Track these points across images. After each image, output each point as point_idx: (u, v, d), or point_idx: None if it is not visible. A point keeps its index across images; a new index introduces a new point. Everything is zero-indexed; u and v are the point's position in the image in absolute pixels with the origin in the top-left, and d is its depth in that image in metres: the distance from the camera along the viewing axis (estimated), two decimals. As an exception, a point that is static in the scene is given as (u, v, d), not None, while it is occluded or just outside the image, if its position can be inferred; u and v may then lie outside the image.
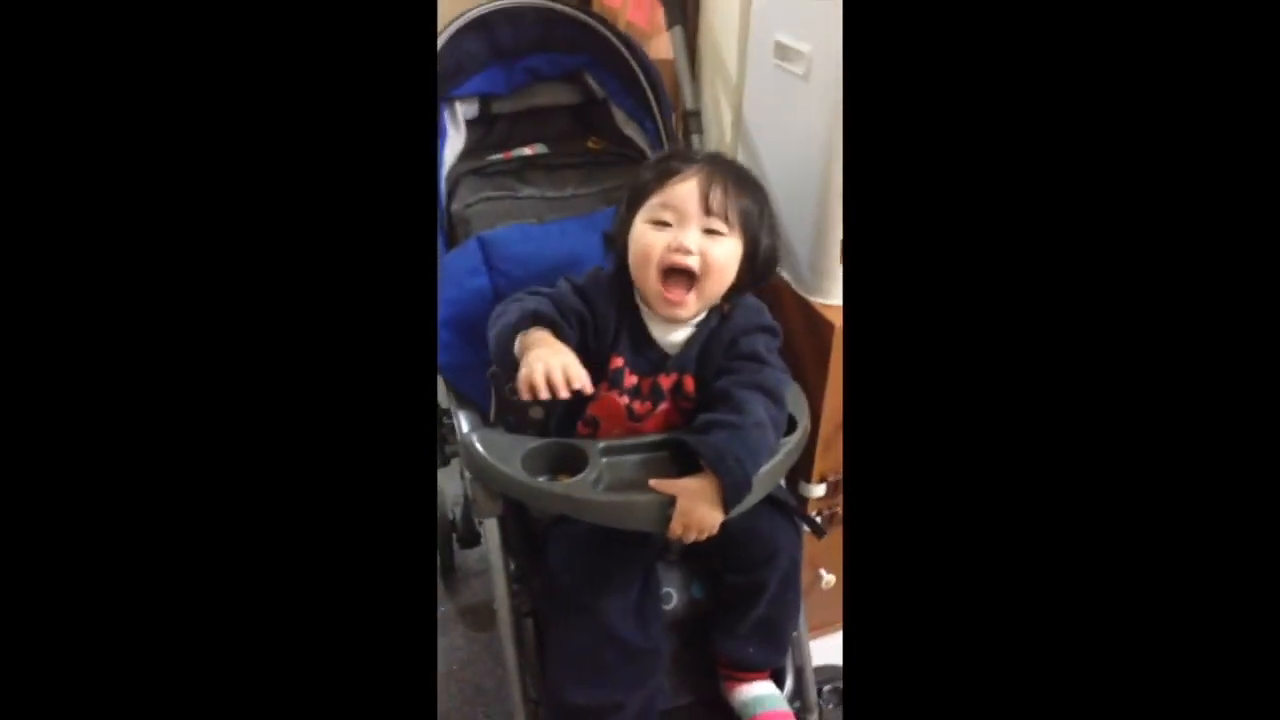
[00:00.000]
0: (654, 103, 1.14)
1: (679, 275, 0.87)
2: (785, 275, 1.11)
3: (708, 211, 0.86)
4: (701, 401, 0.89)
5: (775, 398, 0.87)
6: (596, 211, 1.11)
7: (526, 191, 1.13)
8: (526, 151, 1.18)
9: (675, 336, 0.91)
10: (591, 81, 1.18)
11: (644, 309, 0.91)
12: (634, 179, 0.93)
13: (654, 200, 0.88)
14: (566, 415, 0.94)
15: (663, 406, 0.91)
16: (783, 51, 1.04)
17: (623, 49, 1.13)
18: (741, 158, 1.24)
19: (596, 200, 1.14)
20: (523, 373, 0.81)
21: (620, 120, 1.20)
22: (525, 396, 0.80)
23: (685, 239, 0.85)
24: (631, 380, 0.90)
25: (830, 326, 1.04)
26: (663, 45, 1.25)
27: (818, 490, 1.16)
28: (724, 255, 0.87)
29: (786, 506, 0.96)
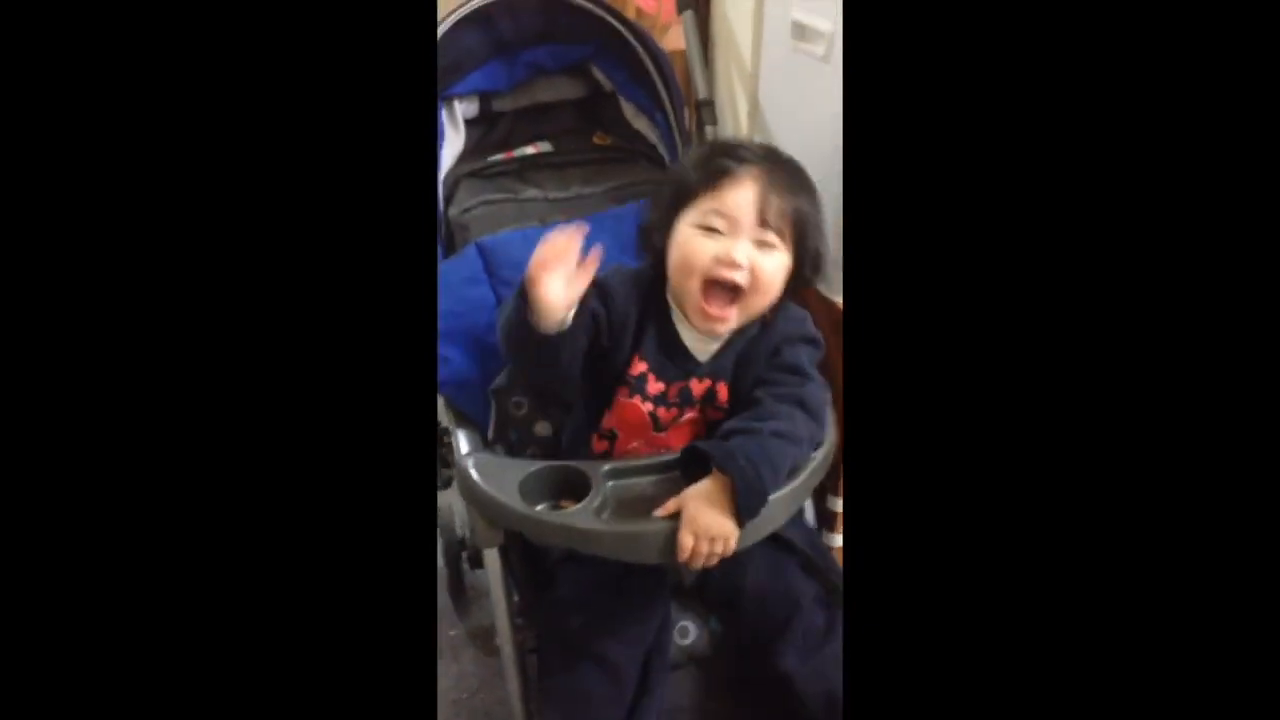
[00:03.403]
0: (665, 94, 1.08)
1: (722, 288, 0.80)
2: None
3: (763, 223, 0.80)
4: (733, 412, 0.82)
5: (814, 414, 0.80)
6: (605, 210, 1.04)
7: (529, 193, 1.07)
8: (529, 150, 1.12)
9: (710, 344, 0.85)
10: (598, 73, 1.11)
11: (675, 314, 0.85)
12: (674, 174, 0.86)
13: (705, 203, 0.81)
14: (580, 429, 0.87)
15: (690, 415, 0.84)
16: (800, 31, 0.97)
17: (630, 38, 1.06)
18: (759, 149, 1.17)
19: (604, 199, 1.08)
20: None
21: (629, 114, 1.13)
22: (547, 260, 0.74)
23: (736, 252, 0.79)
24: (657, 387, 0.83)
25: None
26: (677, 36, 1.18)
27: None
28: (774, 269, 0.81)
29: (803, 558, 0.87)
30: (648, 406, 0.83)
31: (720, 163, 0.81)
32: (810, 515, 1.02)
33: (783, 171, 0.83)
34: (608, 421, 0.85)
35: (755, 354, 0.84)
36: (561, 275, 0.73)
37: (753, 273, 0.79)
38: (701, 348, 0.84)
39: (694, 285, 0.81)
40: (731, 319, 0.82)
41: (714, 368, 0.84)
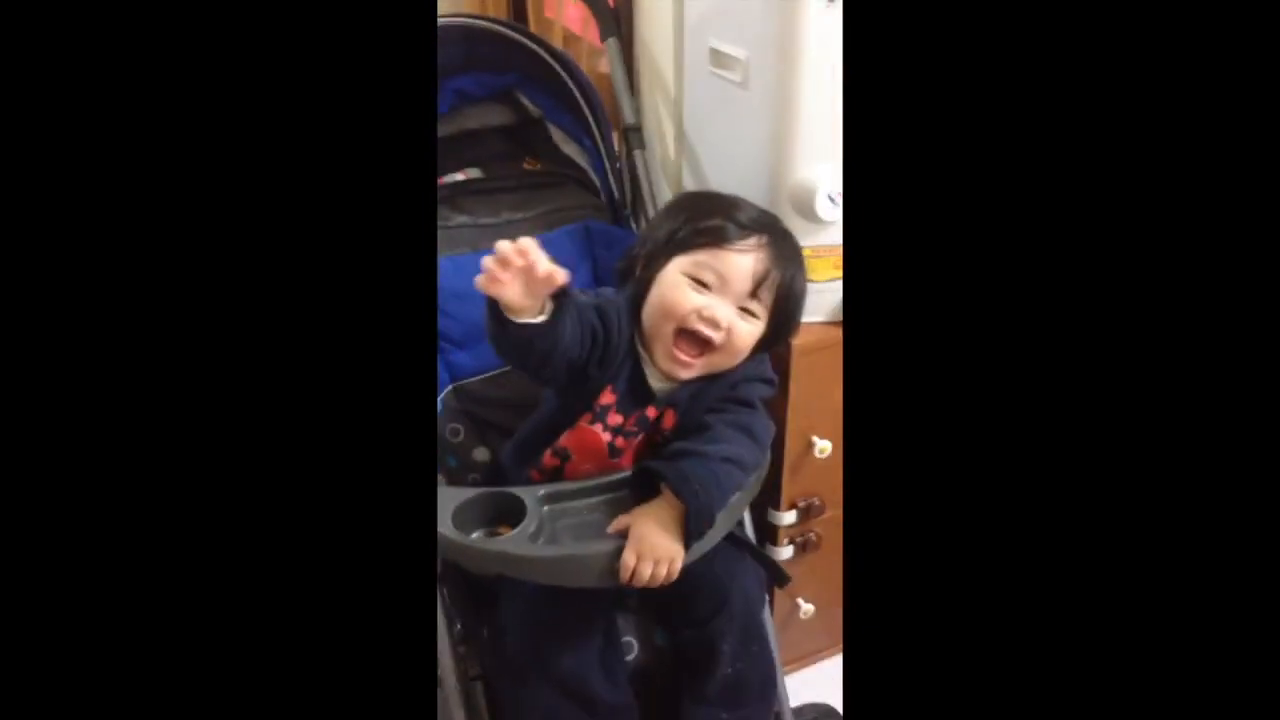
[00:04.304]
0: (592, 119, 1.09)
1: (694, 339, 0.81)
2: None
3: (753, 295, 0.82)
4: (674, 437, 0.83)
5: (759, 442, 0.82)
6: (535, 236, 1.04)
7: (460, 219, 1.07)
8: (459, 177, 1.12)
9: (669, 385, 0.85)
10: (525, 100, 1.12)
11: (644, 353, 0.85)
12: (676, 216, 0.85)
13: (702, 258, 0.81)
14: (532, 443, 0.87)
15: (641, 437, 0.85)
16: (719, 59, 0.99)
17: (555, 64, 1.07)
18: (686, 171, 1.19)
19: (535, 224, 1.08)
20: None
21: (558, 139, 1.14)
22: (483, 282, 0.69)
23: (719, 311, 0.80)
24: (617, 419, 0.84)
25: (789, 346, 0.99)
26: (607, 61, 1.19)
27: (788, 517, 1.10)
28: (747, 336, 0.83)
29: (746, 546, 0.90)
30: (607, 437, 0.84)
31: (728, 226, 0.82)
32: (749, 529, 1.03)
33: (783, 244, 0.84)
34: (565, 441, 0.85)
35: (712, 390, 0.85)
36: (515, 283, 0.70)
37: (729, 334, 0.81)
38: (660, 385, 0.85)
39: (668, 329, 0.81)
40: (696, 368, 0.83)
41: (668, 398, 0.85)
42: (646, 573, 0.72)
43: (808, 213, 0.93)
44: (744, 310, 0.82)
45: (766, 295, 0.82)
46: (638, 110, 1.17)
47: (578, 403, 0.84)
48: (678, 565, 0.73)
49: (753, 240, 0.82)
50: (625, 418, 0.84)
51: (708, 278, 0.81)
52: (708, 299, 0.81)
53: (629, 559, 0.71)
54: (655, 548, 0.72)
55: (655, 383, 0.85)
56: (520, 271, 0.69)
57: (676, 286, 0.81)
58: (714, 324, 0.80)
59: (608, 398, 0.84)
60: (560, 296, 0.74)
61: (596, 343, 0.81)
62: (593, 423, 0.84)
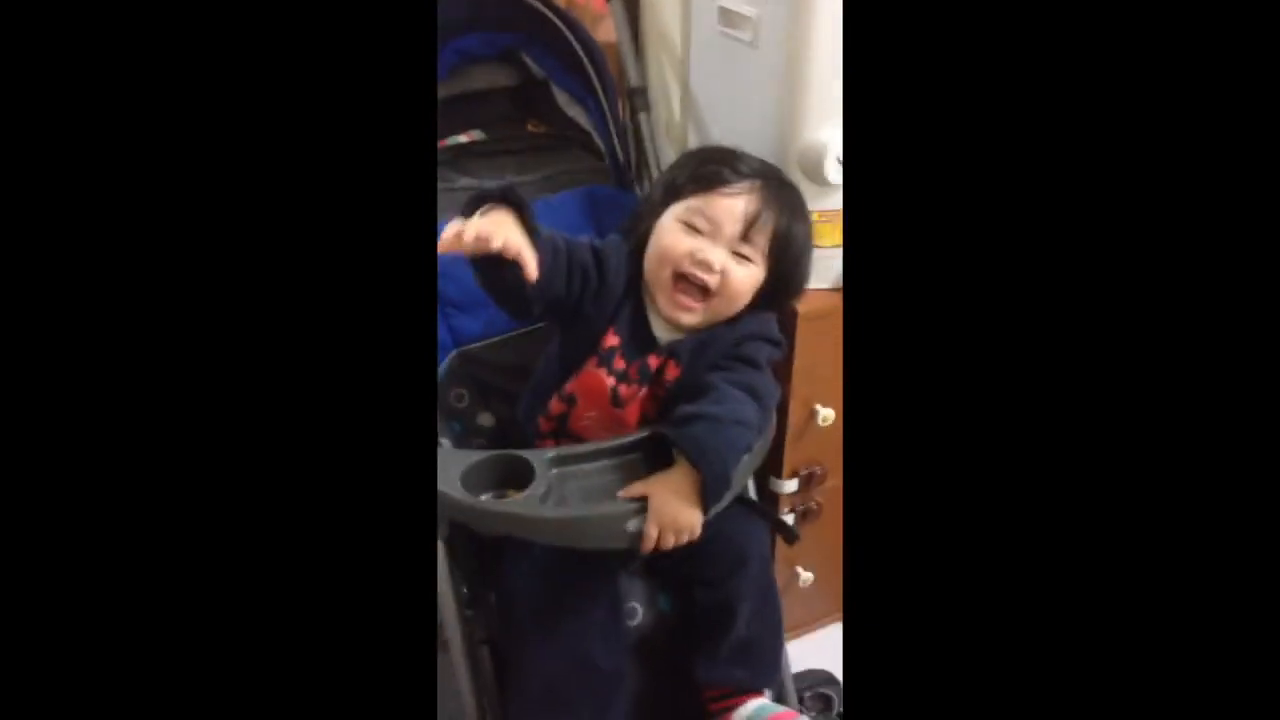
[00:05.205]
0: (597, 82, 1.07)
1: (692, 284, 0.82)
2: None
3: (744, 238, 0.81)
4: (679, 392, 0.83)
5: (763, 404, 0.82)
6: (539, 199, 1.03)
7: (463, 182, 1.06)
8: (462, 139, 1.11)
9: (674, 333, 0.85)
10: (529, 61, 1.10)
11: (647, 300, 0.85)
12: (677, 167, 0.87)
13: (694, 203, 0.82)
14: (542, 388, 0.87)
15: (644, 390, 0.85)
16: (728, 18, 0.97)
17: (560, 25, 1.05)
18: (691, 134, 1.17)
19: (539, 188, 1.07)
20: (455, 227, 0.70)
21: (563, 101, 1.12)
22: (442, 246, 0.70)
23: (711, 254, 0.80)
24: (621, 364, 0.84)
25: (793, 312, 0.98)
26: (610, 28, 1.17)
27: (789, 485, 1.10)
28: (743, 280, 0.82)
29: (754, 507, 0.90)
30: (610, 381, 0.84)
31: (719, 172, 0.82)
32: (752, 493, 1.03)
33: (779, 192, 0.84)
34: (571, 386, 0.85)
35: (716, 344, 0.84)
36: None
37: (723, 277, 0.81)
38: (665, 334, 0.85)
39: (666, 274, 0.82)
40: (698, 314, 0.83)
41: (670, 348, 0.85)
42: (669, 544, 0.73)
43: (816, 176, 0.92)
44: (738, 255, 0.82)
45: (760, 239, 0.82)
46: (643, 72, 1.16)
47: (582, 344, 0.84)
48: (698, 532, 0.74)
49: (745, 185, 0.82)
50: (629, 363, 0.84)
51: (699, 223, 0.81)
52: (700, 242, 0.81)
53: (651, 532, 0.72)
54: (676, 519, 0.72)
55: (659, 331, 0.85)
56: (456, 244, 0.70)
57: (670, 232, 0.82)
58: (707, 267, 0.80)
59: (612, 339, 0.84)
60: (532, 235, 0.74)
61: (589, 282, 0.81)
62: (598, 366, 0.84)
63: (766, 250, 0.83)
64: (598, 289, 0.83)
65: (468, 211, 0.74)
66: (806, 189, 0.91)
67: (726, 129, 1.07)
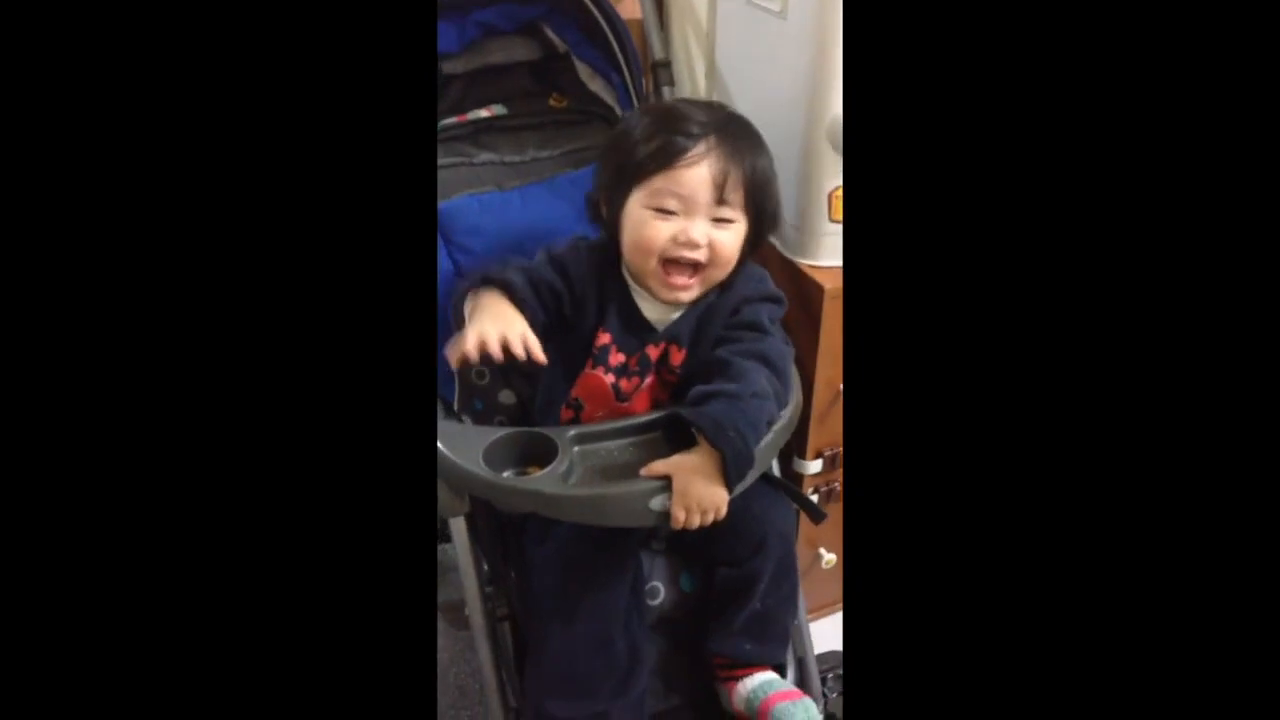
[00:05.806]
0: (620, 55, 1.05)
1: (680, 264, 0.80)
2: (771, 238, 1.02)
3: (720, 201, 0.78)
4: (689, 374, 0.82)
5: (776, 369, 0.80)
6: (561, 174, 1.02)
7: (484, 157, 1.05)
8: (483, 113, 1.09)
9: (670, 313, 0.84)
10: (551, 34, 1.08)
11: (633, 287, 0.84)
12: (621, 146, 0.82)
13: (657, 184, 0.78)
14: (548, 399, 0.86)
15: (648, 380, 0.84)
16: (756, -13, 0.95)
17: (583, -3, 1.03)
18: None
19: (561, 163, 1.06)
20: (456, 337, 0.75)
21: (585, 75, 1.10)
22: (453, 363, 0.75)
23: (694, 232, 0.78)
24: (618, 358, 0.83)
25: (820, 290, 0.96)
26: (633, 5, 1.15)
27: (813, 466, 1.09)
28: (731, 243, 0.81)
29: (780, 485, 0.89)
30: (610, 378, 0.83)
31: (673, 141, 0.78)
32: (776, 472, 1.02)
33: (735, 135, 0.80)
34: (575, 391, 0.85)
35: (715, 316, 0.83)
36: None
37: (711, 249, 0.79)
38: (661, 317, 0.84)
39: (652, 264, 0.80)
40: (695, 288, 0.82)
41: (670, 332, 0.83)
42: (695, 524, 0.72)
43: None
44: (718, 220, 0.79)
45: (735, 195, 0.79)
46: (667, 45, 1.13)
47: (576, 350, 0.83)
48: (724, 510, 0.73)
49: (702, 146, 0.78)
50: (627, 357, 0.83)
51: (671, 204, 0.78)
52: (678, 224, 0.78)
53: (678, 514, 0.71)
54: (702, 499, 0.71)
55: (653, 314, 0.84)
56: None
57: (644, 222, 0.79)
58: (693, 245, 0.79)
59: (603, 338, 0.83)
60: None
61: (560, 296, 0.82)
62: (595, 367, 0.83)
63: (743, 204, 0.80)
64: (570, 298, 0.82)
65: (462, 298, 0.80)
66: (833, 163, 0.89)
67: (753, 101, 1.05)
